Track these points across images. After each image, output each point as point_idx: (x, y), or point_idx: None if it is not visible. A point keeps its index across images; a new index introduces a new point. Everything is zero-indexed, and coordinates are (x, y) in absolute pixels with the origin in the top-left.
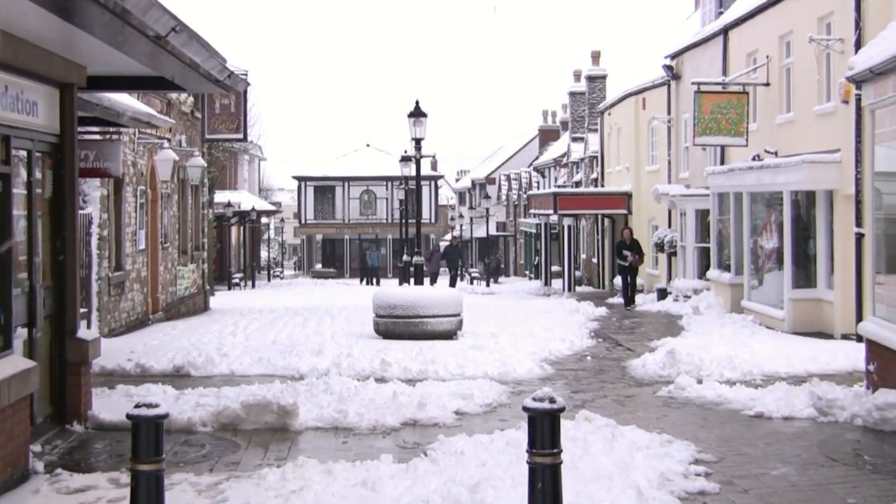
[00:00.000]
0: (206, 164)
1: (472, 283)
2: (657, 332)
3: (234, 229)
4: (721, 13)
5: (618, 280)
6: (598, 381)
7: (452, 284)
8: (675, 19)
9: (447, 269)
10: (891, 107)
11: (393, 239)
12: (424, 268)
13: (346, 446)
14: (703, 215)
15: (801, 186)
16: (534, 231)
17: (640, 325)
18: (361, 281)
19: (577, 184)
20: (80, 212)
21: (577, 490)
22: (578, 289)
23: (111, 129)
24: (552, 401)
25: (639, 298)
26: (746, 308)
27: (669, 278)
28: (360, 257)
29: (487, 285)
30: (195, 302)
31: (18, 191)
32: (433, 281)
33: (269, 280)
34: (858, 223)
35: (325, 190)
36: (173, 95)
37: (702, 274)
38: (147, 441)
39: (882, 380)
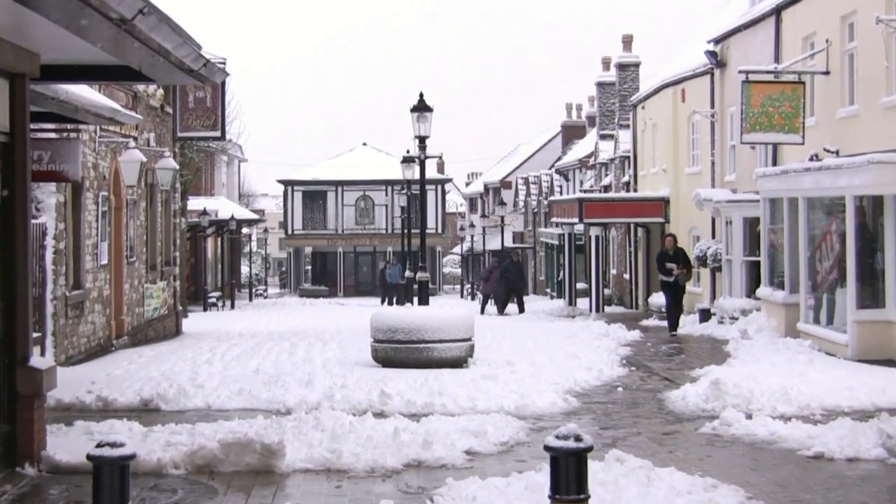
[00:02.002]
0: (178, 167)
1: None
2: (699, 360)
3: (210, 241)
4: None
5: (655, 299)
6: (631, 415)
7: (519, 308)
8: None
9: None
10: None
11: (393, 252)
12: (481, 287)
13: (339, 491)
14: (752, 224)
15: (866, 190)
16: (556, 243)
17: (679, 352)
18: (382, 301)
19: (606, 188)
20: (33, 221)
21: None
22: (608, 309)
23: (69, 127)
24: (578, 438)
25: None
26: (803, 331)
27: (713, 297)
28: (380, 273)
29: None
30: (165, 325)
31: None
32: (485, 304)
33: (250, 300)
34: None
35: (314, 196)
36: (140, 87)
37: (751, 292)
38: (110, 486)
39: None
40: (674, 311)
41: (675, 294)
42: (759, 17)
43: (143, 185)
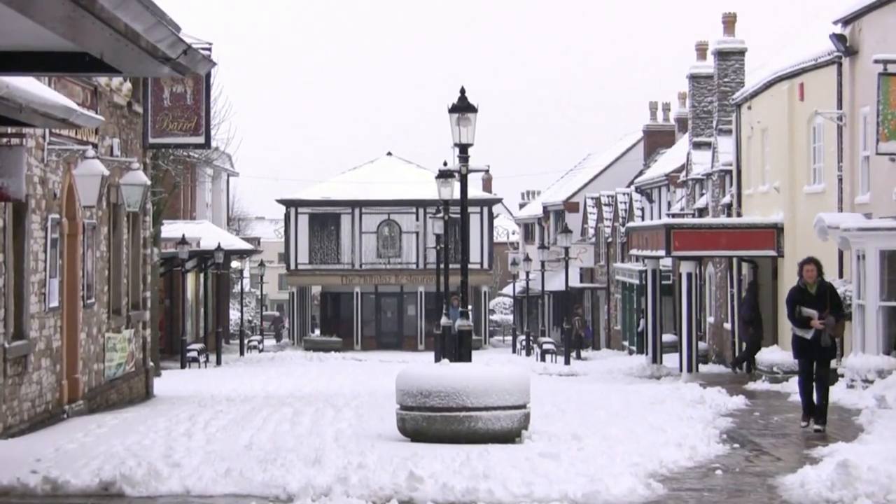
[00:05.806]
0: (149, 182)
1: (543, 358)
2: (822, 435)
3: (190, 278)
4: None
5: (765, 356)
6: None
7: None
8: None
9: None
10: None
11: (426, 293)
12: (747, 331)
13: None
14: (891, 259)
15: None
16: (636, 282)
17: (794, 424)
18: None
19: (701, 212)
20: None
21: None
22: (703, 368)
23: (10, 131)
24: None
25: (794, 383)
26: None
27: (841, 353)
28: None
29: (567, 362)
30: (132, 386)
31: None
32: (754, 351)
33: (241, 353)
34: None
35: (325, 220)
36: (102, 80)
37: (891, 347)
38: None
39: None
40: (812, 384)
41: (822, 358)
42: None
43: (105, 205)
